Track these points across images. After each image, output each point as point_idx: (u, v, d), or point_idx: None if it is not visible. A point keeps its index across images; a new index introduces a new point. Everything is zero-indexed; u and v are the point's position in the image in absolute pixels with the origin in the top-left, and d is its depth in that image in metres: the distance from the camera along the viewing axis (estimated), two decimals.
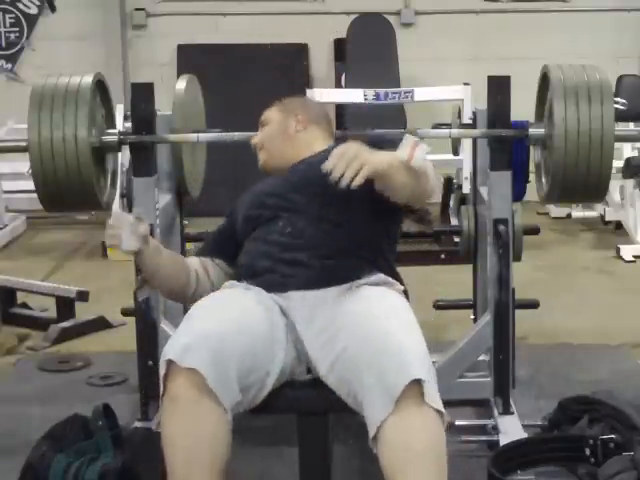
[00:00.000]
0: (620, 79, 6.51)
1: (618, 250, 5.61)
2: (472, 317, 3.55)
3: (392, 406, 2.05)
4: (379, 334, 2.15)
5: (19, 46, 7.57)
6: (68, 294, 4.42)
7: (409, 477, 2.05)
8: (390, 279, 2.46)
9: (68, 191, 2.82)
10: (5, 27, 7.55)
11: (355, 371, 2.14)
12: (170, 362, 2.15)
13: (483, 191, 3.17)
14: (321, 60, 7.56)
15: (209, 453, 2.13)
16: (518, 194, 3.52)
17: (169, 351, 2.16)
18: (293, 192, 2.51)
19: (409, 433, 2.05)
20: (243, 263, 2.55)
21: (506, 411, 3.06)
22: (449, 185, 6.07)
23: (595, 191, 2.86)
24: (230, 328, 2.22)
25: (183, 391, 2.12)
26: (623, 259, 5.55)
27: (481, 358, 3.19)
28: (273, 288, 2.40)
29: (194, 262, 2.63)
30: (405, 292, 2.49)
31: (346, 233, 2.48)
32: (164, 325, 3.04)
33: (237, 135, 3.00)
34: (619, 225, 6.16)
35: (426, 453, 2.06)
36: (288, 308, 2.37)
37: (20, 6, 7.53)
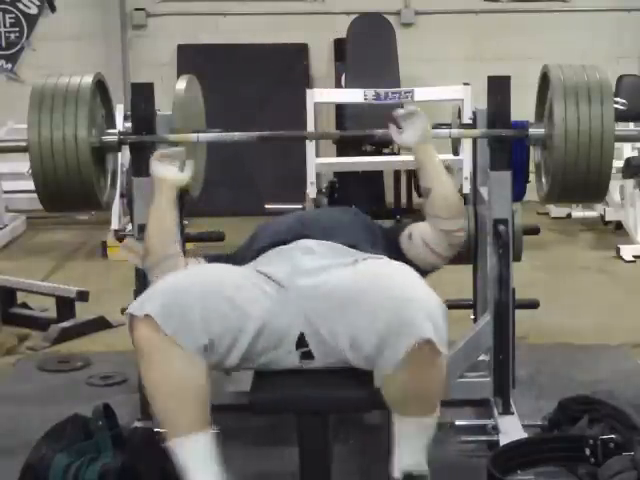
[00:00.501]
0: (620, 79, 6.50)
1: (618, 250, 5.61)
2: (472, 317, 3.54)
3: (405, 354, 2.14)
4: (389, 289, 2.27)
5: (19, 46, 7.57)
6: (68, 294, 4.42)
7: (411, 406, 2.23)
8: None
9: (68, 191, 2.82)
10: (5, 27, 7.55)
11: (370, 319, 2.21)
12: (130, 316, 2.26)
13: (483, 191, 3.17)
14: (321, 60, 7.55)
15: (182, 392, 2.22)
16: (518, 194, 3.52)
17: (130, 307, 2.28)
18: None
19: (421, 376, 2.18)
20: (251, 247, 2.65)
21: (506, 411, 3.06)
22: None
23: (595, 191, 2.86)
24: (196, 277, 2.36)
25: (144, 339, 2.24)
26: (623, 259, 5.55)
27: (481, 358, 3.18)
28: (284, 239, 2.55)
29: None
30: None
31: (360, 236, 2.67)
32: None
33: (237, 135, 3.00)
34: (619, 225, 6.16)
35: (432, 391, 2.24)
36: (297, 270, 2.40)
37: (20, 6, 7.53)
